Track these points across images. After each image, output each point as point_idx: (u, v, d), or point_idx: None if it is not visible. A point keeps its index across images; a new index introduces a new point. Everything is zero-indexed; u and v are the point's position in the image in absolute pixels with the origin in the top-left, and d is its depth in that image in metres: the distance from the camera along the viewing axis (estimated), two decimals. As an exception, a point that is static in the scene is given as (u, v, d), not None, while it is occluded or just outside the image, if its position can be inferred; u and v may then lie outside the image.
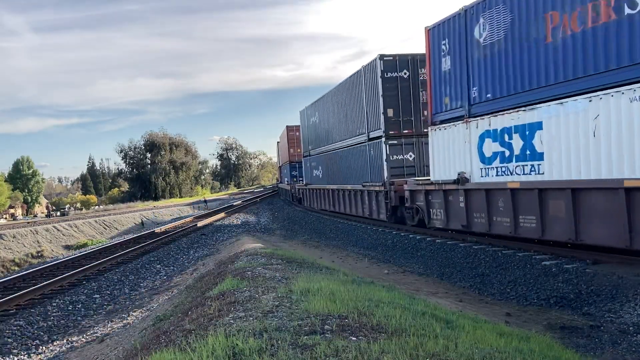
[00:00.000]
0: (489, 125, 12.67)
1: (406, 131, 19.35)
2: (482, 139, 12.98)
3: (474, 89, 13.27)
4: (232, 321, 5.18)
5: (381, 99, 19.25)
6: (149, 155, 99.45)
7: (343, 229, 22.48)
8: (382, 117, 19.30)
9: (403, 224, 18.68)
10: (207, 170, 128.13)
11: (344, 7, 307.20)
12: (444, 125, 14.68)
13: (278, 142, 59.94)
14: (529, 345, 5.02)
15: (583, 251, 11.02)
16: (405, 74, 19.29)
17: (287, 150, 45.88)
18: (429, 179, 15.66)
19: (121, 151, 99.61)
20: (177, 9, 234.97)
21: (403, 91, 19.23)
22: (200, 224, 28.42)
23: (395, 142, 19.33)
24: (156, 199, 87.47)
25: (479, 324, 6.03)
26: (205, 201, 56.82)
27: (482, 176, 13.04)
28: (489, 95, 12.73)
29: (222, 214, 34.99)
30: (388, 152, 19.24)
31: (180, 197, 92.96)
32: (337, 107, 25.52)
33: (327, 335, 4.47)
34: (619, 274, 9.28)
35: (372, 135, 20.69)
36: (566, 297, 9.22)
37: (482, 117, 12.98)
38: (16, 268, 24.00)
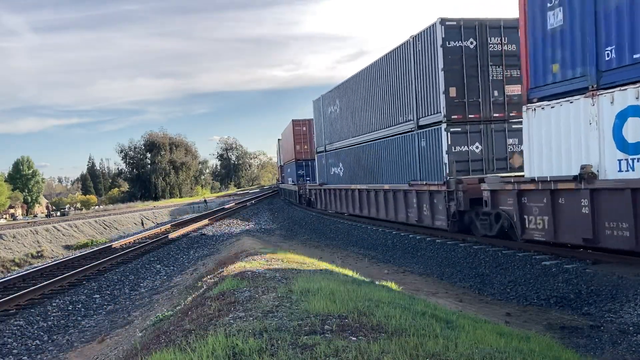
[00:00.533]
0: (637, 97, 9.22)
1: (472, 116, 15.24)
2: (622, 117, 9.53)
3: (609, 48, 9.77)
4: (232, 321, 5.18)
5: (442, 75, 15.15)
6: (149, 155, 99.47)
7: (343, 229, 22.48)
8: (442, 97, 15.20)
9: (468, 233, 14.85)
10: (207, 170, 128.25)
11: (343, 7, 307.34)
12: (549, 102, 11.10)
13: (279, 140, 56.05)
14: (529, 345, 5.02)
15: (583, 251, 11.02)
16: (471, 43, 15.20)
17: (292, 147, 41.77)
18: (523, 175, 12.24)
19: (121, 151, 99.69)
20: (177, 9, 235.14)
21: (469, 65, 15.17)
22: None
23: (459, 129, 15.23)
24: (156, 199, 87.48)
25: (479, 324, 6.03)
26: (205, 201, 56.85)
27: (621, 170, 9.59)
28: (637, 55, 9.23)
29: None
30: (450, 143, 15.19)
31: (180, 197, 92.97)
32: (369, 91, 21.27)
33: (327, 335, 4.48)
34: (619, 274, 9.29)
35: (423, 122, 16.64)
36: (566, 297, 9.22)
37: (622, 88, 9.51)
38: (16, 268, 24.01)
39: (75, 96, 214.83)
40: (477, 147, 15.44)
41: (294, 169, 41.61)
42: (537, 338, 5.85)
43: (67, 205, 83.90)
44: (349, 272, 10.40)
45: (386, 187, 19.71)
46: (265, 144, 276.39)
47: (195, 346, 4.37)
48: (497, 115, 15.42)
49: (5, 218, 65.67)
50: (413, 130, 17.36)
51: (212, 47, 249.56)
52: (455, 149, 15.25)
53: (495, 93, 15.39)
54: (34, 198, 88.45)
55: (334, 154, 27.28)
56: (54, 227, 32.36)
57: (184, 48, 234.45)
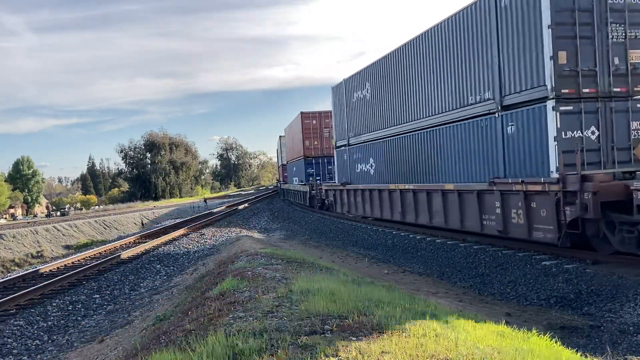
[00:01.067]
0: None
1: (587, 90, 11.53)
2: None
3: None
4: (232, 321, 5.19)
5: (548, 34, 11.35)
6: (149, 155, 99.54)
7: (343, 229, 22.48)
8: (548, 65, 11.38)
9: (588, 248, 11.21)
10: (207, 170, 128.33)
11: (343, 7, 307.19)
12: None
13: (281, 137, 51.96)
14: (529, 345, 5.01)
15: (583, 251, 11.01)
16: None
17: (300, 143, 37.24)
18: None
19: (121, 151, 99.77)
20: (177, 9, 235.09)
21: (581, 22, 11.45)
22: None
23: (571, 108, 11.45)
24: (156, 199, 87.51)
25: (479, 324, 6.03)
26: (205, 201, 56.97)
27: None
28: None
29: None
30: (559, 126, 11.31)
31: (180, 197, 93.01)
32: (419, 68, 17.16)
33: (327, 335, 4.48)
34: (619, 274, 9.29)
35: (512, 100, 12.66)
36: (566, 297, 9.23)
37: None
38: (16, 268, 24.03)
39: (75, 96, 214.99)
40: (592, 133, 11.63)
41: (302, 168, 37.33)
42: (537, 338, 5.85)
43: (67, 205, 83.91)
44: (349, 272, 10.41)
45: (448, 187, 15.32)
46: (265, 144, 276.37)
47: (195, 346, 4.37)
48: (617, 89, 11.81)
49: (5, 218, 65.69)
50: (493, 112, 13.35)
51: (212, 47, 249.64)
52: (565, 134, 11.37)
53: (616, 60, 11.71)
54: (34, 198, 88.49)
55: (361, 147, 22.95)
56: (54, 227, 32.38)
57: (184, 48, 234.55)
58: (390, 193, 19.57)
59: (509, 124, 12.84)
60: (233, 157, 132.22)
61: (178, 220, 33.72)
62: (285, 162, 49.25)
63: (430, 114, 16.54)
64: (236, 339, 4.35)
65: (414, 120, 17.72)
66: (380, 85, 20.42)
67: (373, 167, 21.69)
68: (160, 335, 6.12)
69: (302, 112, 37.02)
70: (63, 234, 31.89)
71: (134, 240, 23.47)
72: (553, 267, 10.66)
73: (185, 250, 19.88)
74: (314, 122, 36.49)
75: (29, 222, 44.74)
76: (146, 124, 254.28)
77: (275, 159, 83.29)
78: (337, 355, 3.90)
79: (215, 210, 40.64)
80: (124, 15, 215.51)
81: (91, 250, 20.94)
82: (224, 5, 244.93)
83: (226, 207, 44.34)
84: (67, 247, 30.14)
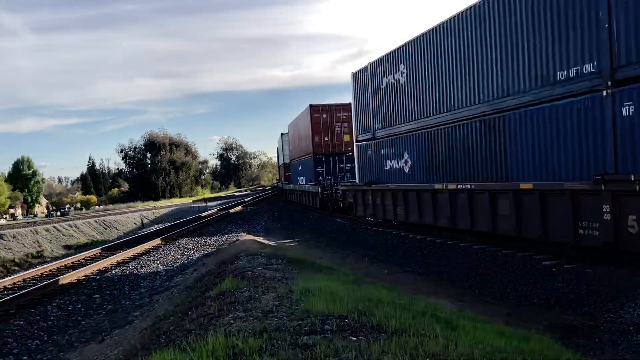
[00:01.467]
0: None
1: None
2: None
3: None
4: (232, 321, 5.19)
5: None
6: (149, 155, 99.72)
7: (344, 229, 22.48)
8: None
9: None
10: (207, 170, 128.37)
11: (343, 7, 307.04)
12: None
13: (283, 134, 49.16)
14: (529, 345, 5.02)
15: (583, 251, 11.00)
16: None
17: (309, 139, 34.03)
18: None
19: (121, 151, 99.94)
20: (177, 9, 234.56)
21: None
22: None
23: None
24: (156, 199, 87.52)
25: (479, 324, 6.03)
26: (205, 201, 57.07)
27: None
28: None
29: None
30: None
31: (181, 197, 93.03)
32: (483, 37, 13.65)
33: (327, 335, 4.48)
34: (619, 274, 9.29)
35: (628, 72, 9.54)
36: (566, 297, 9.22)
37: None
38: (16, 268, 24.04)
39: (75, 96, 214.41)
40: None
41: (311, 166, 33.83)
42: (537, 338, 5.86)
43: (67, 205, 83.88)
44: (349, 272, 10.42)
45: (525, 186, 12.24)
46: (265, 144, 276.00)
47: (195, 346, 4.38)
48: None
49: (6, 218, 65.70)
50: (598, 90, 10.21)
51: (212, 47, 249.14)
52: None
53: None
54: (34, 198, 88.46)
55: (392, 141, 19.73)
56: (54, 227, 32.38)
57: (184, 48, 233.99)
58: (433, 194, 16.34)
59: (625, 103, 9.71)
60: (233, 157, 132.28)
61: (177, 221, 33.78)
62: (289, 161, 46.50)
63: (496, 97, 13.37)
64: (236, 339, 4.35)
65: (472, 105, 14.45)
66: (422, 66, 17.05)
67: (408, 164, 18.44)
68: (160, 335, 6.13)
69: (311, 105, 33.61)
70: (63, 234, 31.89)
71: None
72: (553, 267, 10.65)
73: (185, 249, 19.89)
74: (324, 116, 33.28)
75: (29, 222, 44.74)
76: (146, 124, 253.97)
77: (275, 159, 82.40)
78: (337, 355, 3.90)
79: (214, 212, 40.74)
80: (124, 15, 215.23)
81: (92, 250, 20.77)
82: (224, 5, 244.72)
83: (226, 207, 44.20)
84: (67, 247, 30.14)
